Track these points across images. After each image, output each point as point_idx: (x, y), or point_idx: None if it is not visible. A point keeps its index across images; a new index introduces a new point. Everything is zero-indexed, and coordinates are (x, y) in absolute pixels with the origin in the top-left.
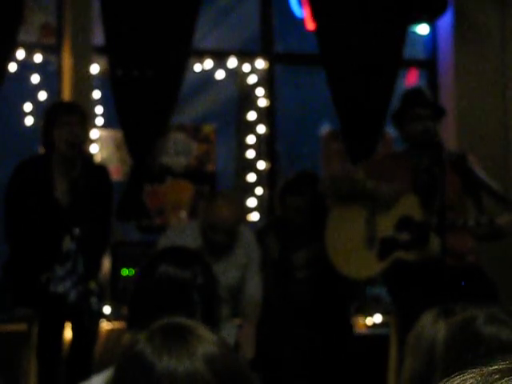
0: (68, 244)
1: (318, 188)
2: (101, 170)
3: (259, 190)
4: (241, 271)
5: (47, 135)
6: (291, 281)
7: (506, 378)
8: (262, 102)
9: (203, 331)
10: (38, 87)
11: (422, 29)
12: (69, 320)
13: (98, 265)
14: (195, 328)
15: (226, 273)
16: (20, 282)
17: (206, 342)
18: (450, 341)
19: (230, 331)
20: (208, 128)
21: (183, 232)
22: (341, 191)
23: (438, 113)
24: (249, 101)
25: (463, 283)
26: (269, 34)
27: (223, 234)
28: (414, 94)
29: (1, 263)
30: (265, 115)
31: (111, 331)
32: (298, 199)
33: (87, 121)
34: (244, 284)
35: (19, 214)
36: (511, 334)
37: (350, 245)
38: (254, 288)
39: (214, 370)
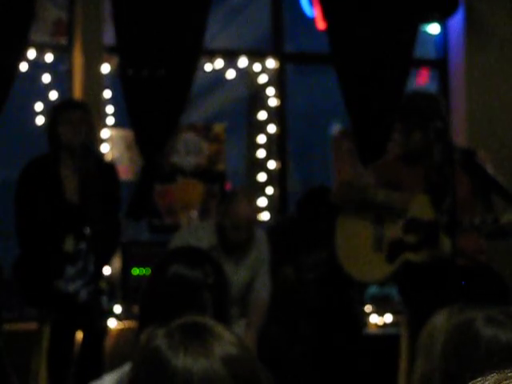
0: (72, 243)
1: (330, 198)
2: (109, 167)
3: (270, 190)
4: (252, 271)
5: (53, 134)
6: (301, 281)
7: None
8: (273, 102)
9: (222, 331)
10: (49, 87)
11: (433, 28)
12: (79, 319)
13: (107, 261)
14: (214, 327)
15: (238, 273)
16: (30, 282)
17: (225, 342)
18: (448, 342)
19: (239, 331)
20: (218, 127)
21: (196, 231)
22: (351, 202)
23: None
24: (259, 100)
25: (463, 283)
26: (279, 34)
27: (244, 232)
28: (405, 109)
29: (11, 262)
30: (275, 115)
31: (122, 330)
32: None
33: (91, 117)
34: (253, 283)
35: (29, 214)
36: (511, 336)
37: (359, 249)
38: (262, 287)
39: (231, 370)
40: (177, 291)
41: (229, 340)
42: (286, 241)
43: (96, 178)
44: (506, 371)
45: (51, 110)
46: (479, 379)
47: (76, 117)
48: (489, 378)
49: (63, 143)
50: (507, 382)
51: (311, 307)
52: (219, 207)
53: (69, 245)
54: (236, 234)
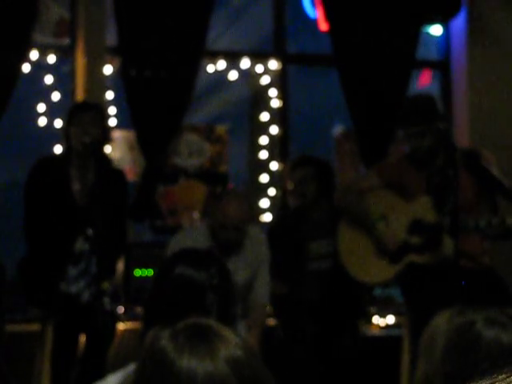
0: (81, 244)
1: (333, 200)
2: (118, 172)
3: (272, 191)
4: (251, 270)
5: (65, 135)
6: (304, 273)
7: None
8: (275, 103)
9: (228, 333)
10: (52, 88)
11: (436, 30)
12: (82, 320)
13: (112, 266)
14: (219, 329)
15: (236, 272)
16: (34, 282)
17: (230, 344)
18: (449, 344)
19: (241, 332)
20: (221, 129)
21: (193, 233)
22: (349, 212)
23: (441, 121)
24: (262, 101)
25: (463, 283)
26: (282, 35)
27: (232, 231)
28: (404, 114)
29: (15, 263)
30: (278, 116)
31: (124, 332)
32: (302, 170)
33: (103, 119)
34: (253, 284)
35: (37, 213)
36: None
37: (363, 251)
38: (262, 289)
39: (236, 372)
40: (182, 292)
41: (234, 342)
42: (289, 232)
43: (102, 180)
44: (497, 375)
45: (67, 112)
46: None
47: (87, 119)
48: (480, 382)
49: (72, 144)
50: None
51: (314, 305)
52: (211, 208)
53: (80, 244)
54: (224, 234)
